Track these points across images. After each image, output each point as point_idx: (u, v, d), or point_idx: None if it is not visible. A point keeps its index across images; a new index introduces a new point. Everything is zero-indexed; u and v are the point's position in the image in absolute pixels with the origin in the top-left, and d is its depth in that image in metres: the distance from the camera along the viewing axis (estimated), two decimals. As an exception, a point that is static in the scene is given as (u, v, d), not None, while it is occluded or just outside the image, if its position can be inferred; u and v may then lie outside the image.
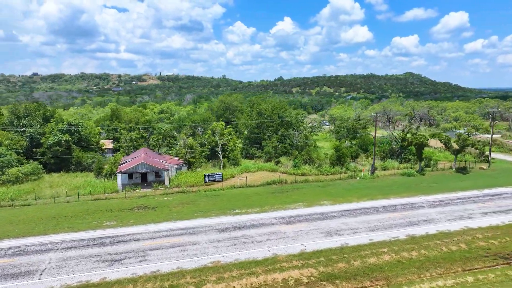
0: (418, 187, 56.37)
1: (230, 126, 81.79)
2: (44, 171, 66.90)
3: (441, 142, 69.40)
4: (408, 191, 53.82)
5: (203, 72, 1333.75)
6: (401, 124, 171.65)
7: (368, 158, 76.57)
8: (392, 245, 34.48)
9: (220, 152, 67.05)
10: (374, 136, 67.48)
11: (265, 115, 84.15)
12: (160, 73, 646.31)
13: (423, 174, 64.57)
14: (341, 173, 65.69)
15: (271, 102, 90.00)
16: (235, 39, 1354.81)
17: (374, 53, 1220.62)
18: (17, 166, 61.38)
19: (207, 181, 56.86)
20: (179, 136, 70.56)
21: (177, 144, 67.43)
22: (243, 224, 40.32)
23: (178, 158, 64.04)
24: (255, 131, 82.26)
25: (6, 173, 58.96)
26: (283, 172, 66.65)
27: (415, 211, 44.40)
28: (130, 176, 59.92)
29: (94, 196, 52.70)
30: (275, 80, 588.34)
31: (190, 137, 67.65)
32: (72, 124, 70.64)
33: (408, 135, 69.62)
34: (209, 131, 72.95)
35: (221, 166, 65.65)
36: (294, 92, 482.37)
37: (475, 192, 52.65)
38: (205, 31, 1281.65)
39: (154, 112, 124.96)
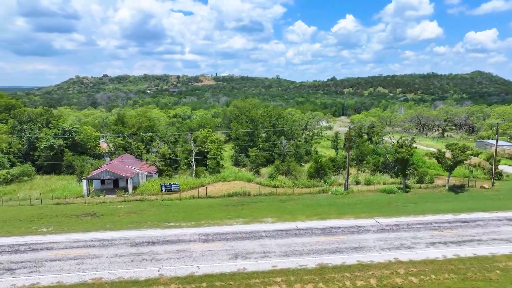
0: (387, 206, 51.24)
1: (222, 133, 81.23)
2: (38, 173, 71.86)
3: (434, 157, 62.54)
4: (371, 211, 49.10)
5: (262, 72, 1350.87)
6: (437, 131, 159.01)
7: (358, 171, 71.55)
8: (292, 274, 31.52)
9: (193, 161, 66.80)
10: (348, 148, 62.74)
11: (257, 122, 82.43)
12: (216, 74, 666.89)
13: (406, 192, 58.64)
14: (316, 186, 62.09)
15: (265, 108, 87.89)
16: (295, 38, 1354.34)
17: (444, 50, 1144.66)
18: (7, 168, 66.57)
19: (163, 190, 56.89)
20: (158, 142, 71.42)
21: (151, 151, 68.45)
22: (161, 239, 39.56)
23: (150, 166, 65.02)
24: (244, 138, 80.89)
25: (-6, 174, 64.16)
26: (257, 183, 64.68)
27: (355, 236, 40.27)
28: (103, 181, 62.03)
29: (57, 200, 55.34)
30: (328, 80, 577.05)
31: (165, 145, 68.40)
32: (66, 129, 74.98)
33: (402, 149, 63.65)
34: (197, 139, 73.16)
35: (194, 174, 65.34)
36: (345, 92, 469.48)
37: (446, 217, 46.47)
38: (265, 31, 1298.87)
39: (168, 116, 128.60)
